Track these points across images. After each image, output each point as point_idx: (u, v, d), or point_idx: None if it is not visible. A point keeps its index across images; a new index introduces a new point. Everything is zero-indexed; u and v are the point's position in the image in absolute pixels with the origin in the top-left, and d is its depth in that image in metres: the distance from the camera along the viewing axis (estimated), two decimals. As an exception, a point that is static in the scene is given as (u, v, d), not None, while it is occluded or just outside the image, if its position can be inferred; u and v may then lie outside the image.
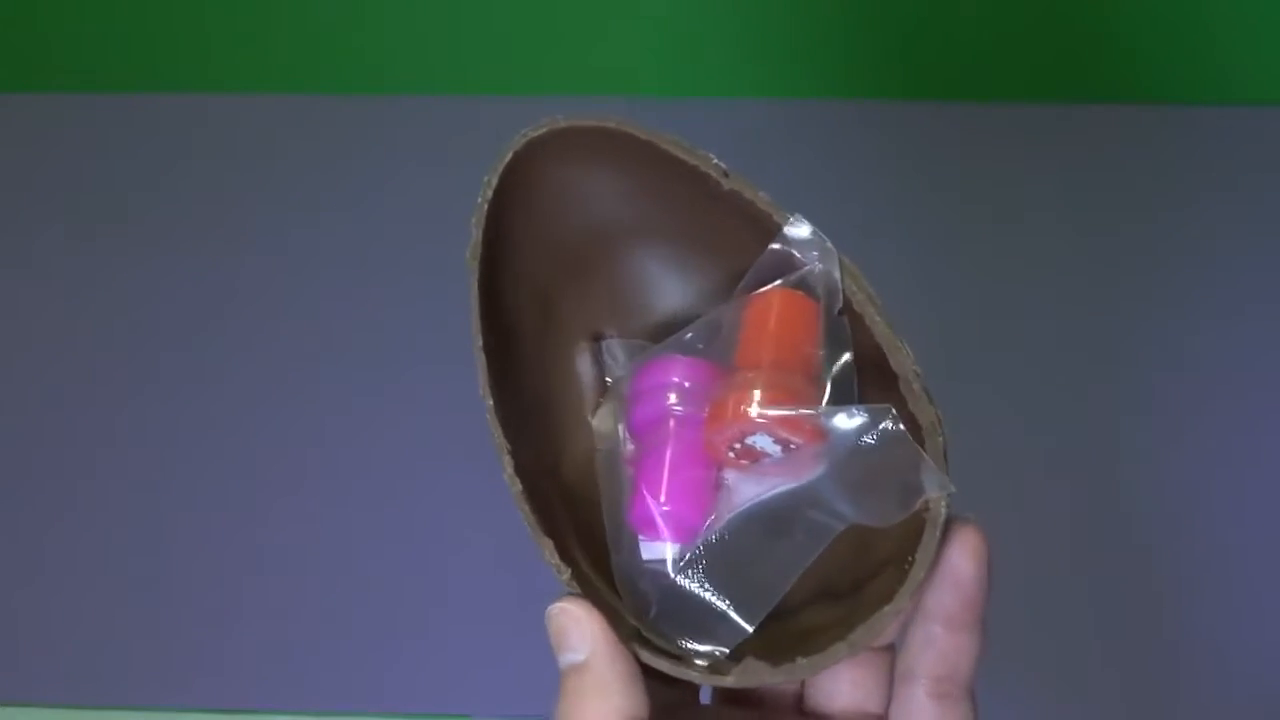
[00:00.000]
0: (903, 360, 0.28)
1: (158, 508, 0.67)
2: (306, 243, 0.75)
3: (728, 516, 0.30)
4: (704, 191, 0.30)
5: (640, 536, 0.30)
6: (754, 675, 0.27)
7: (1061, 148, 0.76)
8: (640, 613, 0.29)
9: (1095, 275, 0.72)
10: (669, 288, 0.33)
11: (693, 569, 0.29)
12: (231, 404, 0.70)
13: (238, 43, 0.78)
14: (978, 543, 0.28)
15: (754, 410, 0.28)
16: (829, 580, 0.30)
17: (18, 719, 0.61)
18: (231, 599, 0.64)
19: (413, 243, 0.74)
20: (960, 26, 0.74)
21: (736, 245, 0.31)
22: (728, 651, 0.28)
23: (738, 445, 0.29)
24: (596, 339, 0.34)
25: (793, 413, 0.28)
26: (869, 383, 0.30)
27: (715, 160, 0.30)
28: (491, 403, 0.29)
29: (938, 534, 0.27)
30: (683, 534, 0.30)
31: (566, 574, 0.28)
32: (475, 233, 0.30)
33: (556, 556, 0.28)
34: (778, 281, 0.30)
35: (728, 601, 0.29)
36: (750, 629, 0.29)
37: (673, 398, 0.30)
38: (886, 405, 0.28)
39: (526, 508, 0.28)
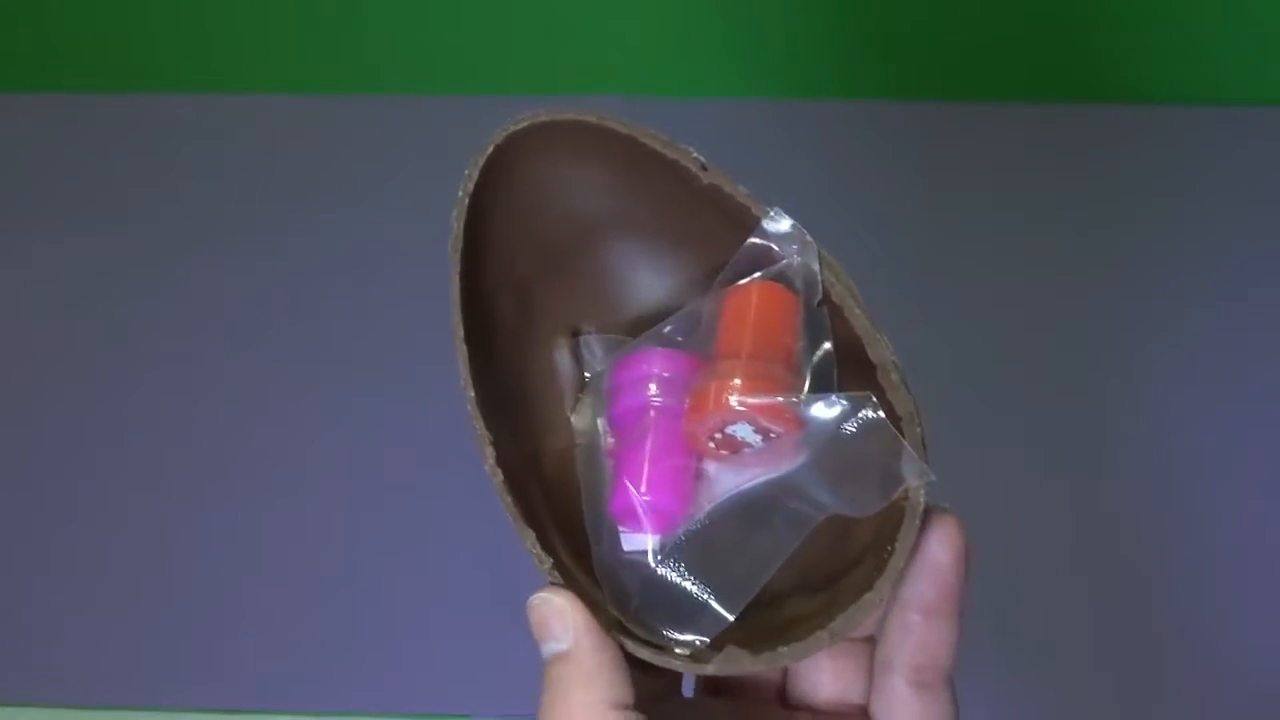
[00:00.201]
0: (881, 350, 0.28)
1: (158, 508, 0.67)
2: (306, 242, 0.75)
3: (708, 507, 0.30)
4: (683, 185, 0.30)
5: (621, 528, 0.30)
6: (735, 663, 0.27)
7: (1054, 148, 0.76)
8: (622, 604, 0.29)
9: (1091, 275, 0.72)
10: (648, 281, 0.33)
11: (674, 559, 0.29)
12: (231, 404, 0.70)
13: (238, 43, 0.78)
14: (954, 532, 0.28)
15: (734, 399, 0.28)
16: (809, 570, 0.30)
17: (18, 719, 0.61)
18: (232, 599, 0.64)
19: (412, 242, 0.74)
20: (952, 26, 0.74)
21: (716, 239, 0.31)
22: (709, 641, 0.28)
23: (718, 435, 0.29)
24: (575, 334, 0.34)
25: (773, 400, 0.28)
26: (848, 375, 0.30)
27: (695, 154, 0.30)
28: (473, 394, 0.29)
29: (917, 522, 0.27)
30: (663, 524, 0.30)
31: (548, 564, 0.28)
32: (456, 225, 0.30)
33: (538, 546, 0.28)
34: (757, 274, 0.30)
35: (709, 591, 0.29)
36: (731, 618, 0.29)
37: (653, 389, 0.30)
38: (867, 393, 0.28)
39: (509, 499, 0.28)
